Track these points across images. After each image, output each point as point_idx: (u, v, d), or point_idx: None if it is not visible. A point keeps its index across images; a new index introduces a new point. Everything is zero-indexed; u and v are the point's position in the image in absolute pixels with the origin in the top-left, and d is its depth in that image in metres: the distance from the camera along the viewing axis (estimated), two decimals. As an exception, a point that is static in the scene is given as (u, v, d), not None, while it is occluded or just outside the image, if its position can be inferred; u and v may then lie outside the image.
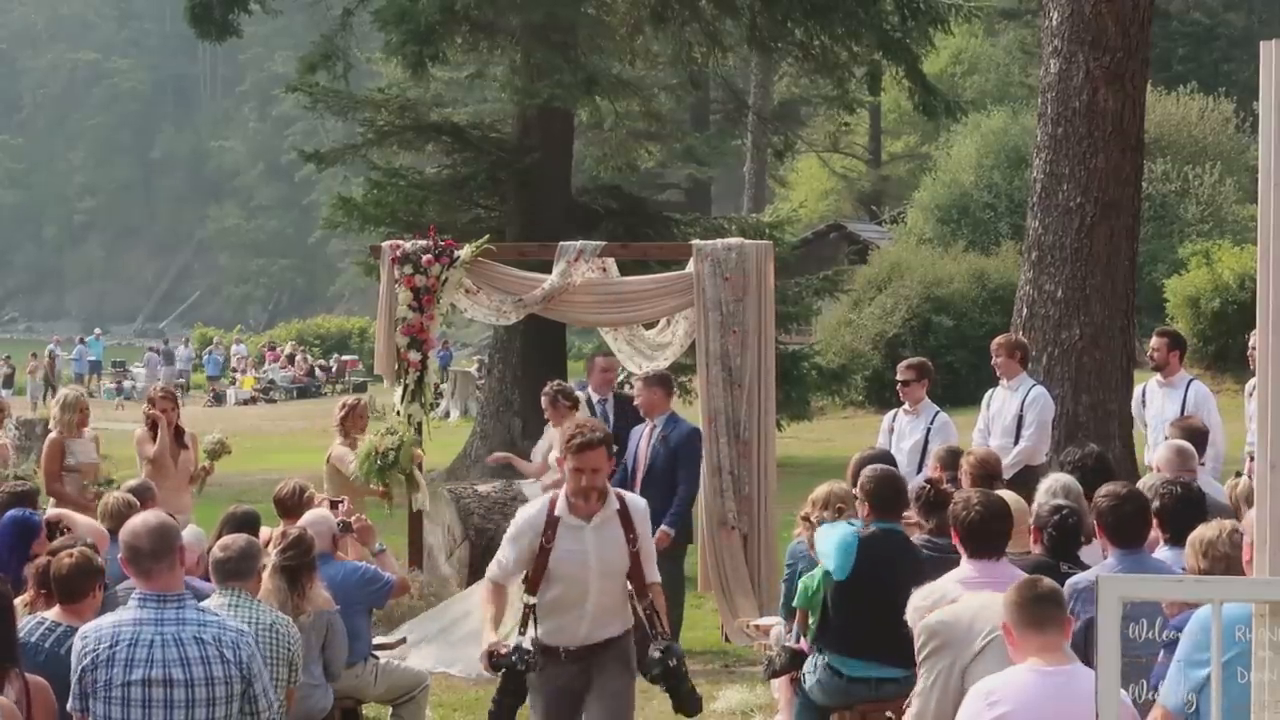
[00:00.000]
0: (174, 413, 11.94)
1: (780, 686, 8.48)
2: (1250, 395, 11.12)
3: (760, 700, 9.63)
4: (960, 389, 24.21)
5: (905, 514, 7.89)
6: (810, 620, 7.65)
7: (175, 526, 5.77)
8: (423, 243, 11.87)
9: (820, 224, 43.21)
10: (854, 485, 7.90)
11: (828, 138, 47.06)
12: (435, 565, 12.16)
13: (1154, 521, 6.81)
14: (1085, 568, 6.97)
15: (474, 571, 12.65)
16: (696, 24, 21.84)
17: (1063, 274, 13.72)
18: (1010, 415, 11.34)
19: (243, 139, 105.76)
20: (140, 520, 5.71)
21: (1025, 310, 13.97)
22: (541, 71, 20.31)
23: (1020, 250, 16.74)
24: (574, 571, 6.70)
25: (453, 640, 10.69)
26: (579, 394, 12.01)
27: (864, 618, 7.32)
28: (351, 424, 11.73)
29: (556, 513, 6.74)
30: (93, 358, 50.48)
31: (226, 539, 7.21)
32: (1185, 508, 6.82)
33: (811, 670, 7.63)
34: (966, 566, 6.66)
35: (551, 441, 11.62)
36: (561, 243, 11.97)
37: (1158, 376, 11.64)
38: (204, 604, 5.99)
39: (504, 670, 6.61)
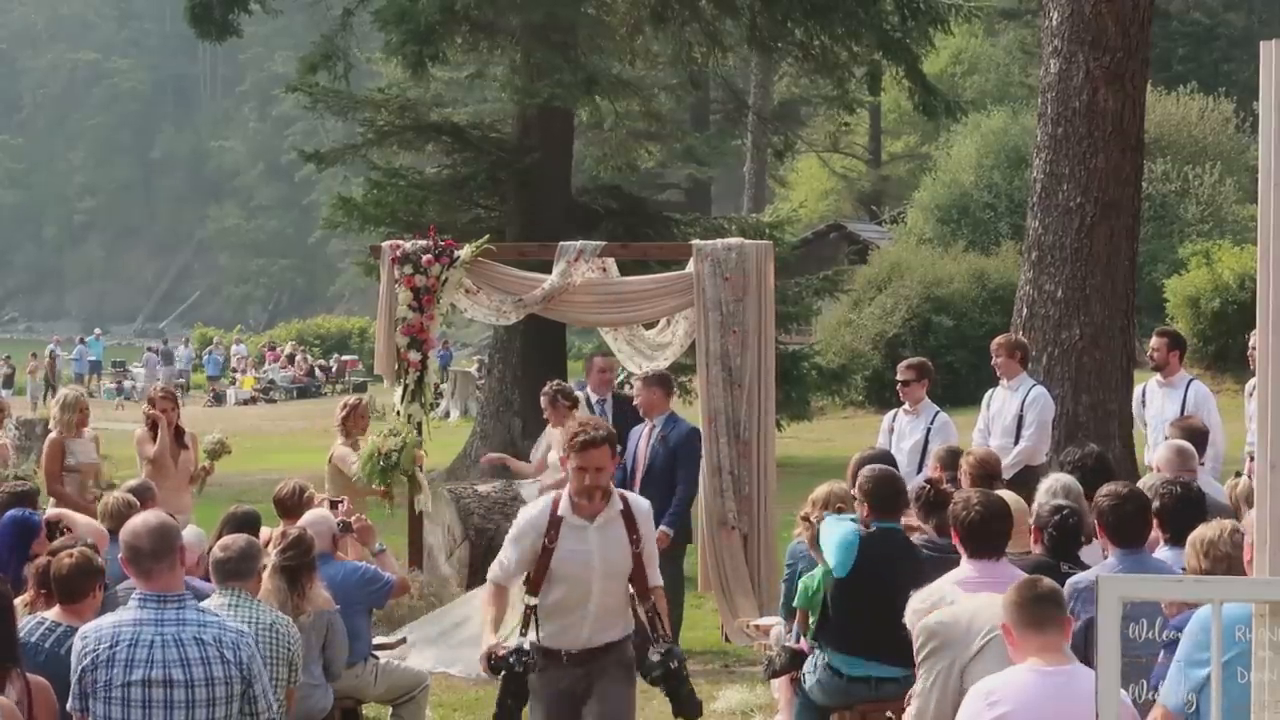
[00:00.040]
0: (174, 413, 11.95)
1: (780, 686, 8.48)
2: (1250, 395, 11.11)
3: (760, 700, 9.63)
4: (960, 389, 24.21)
5: (906, 514, 7.89)
6: (810, 620, 7.65)
7: (176, 527, 5.77)
8: (423, 243, 11.86)
9: (820, 224, 43.21)
10: (854, 485, 7.90)
11: (828, 138, 47.06)
12: (435, 565, 12.16)
13: (1154, 521, 6.81)
14: (1085, 568, 6.97)
15: (474, 571, 12.65)
16: (696, 24, 21.83)
17: (1063, 274, 13.72)
18: (1010, 415, 11.35)
19: (243, 139, 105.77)
20: (141, 520, 5.71)
21: (1025, 310, 13.97)
22: (541, 71, 20.31)
23: (1020, 250, 16.75)
24: (577, 572, 6.64)
25: (453, 642, 10.69)
26: (578, 394, 12.01)
27: (863, 616, 7.33)
28: (353, 424, 11.74)
29: (560, 512, 6.67)
30: (93, 358, 50.49)
31: (227, 539, 7.21)
32: (1185, 508, 6.83)
33: (811, 670, 7.63)
34: (966, 566, 6.66)
35: (550, 442, 11.62)
36: (561, 243, 11.97)
37: (1158, 376, 11.64)
38: (204, 604, 6.00)
39: (504, 672, 6.56)
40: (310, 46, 21.68)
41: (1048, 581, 5.49)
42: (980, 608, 6.20)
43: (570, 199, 22.17)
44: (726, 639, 11.29)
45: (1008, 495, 7.41)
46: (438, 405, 31.28)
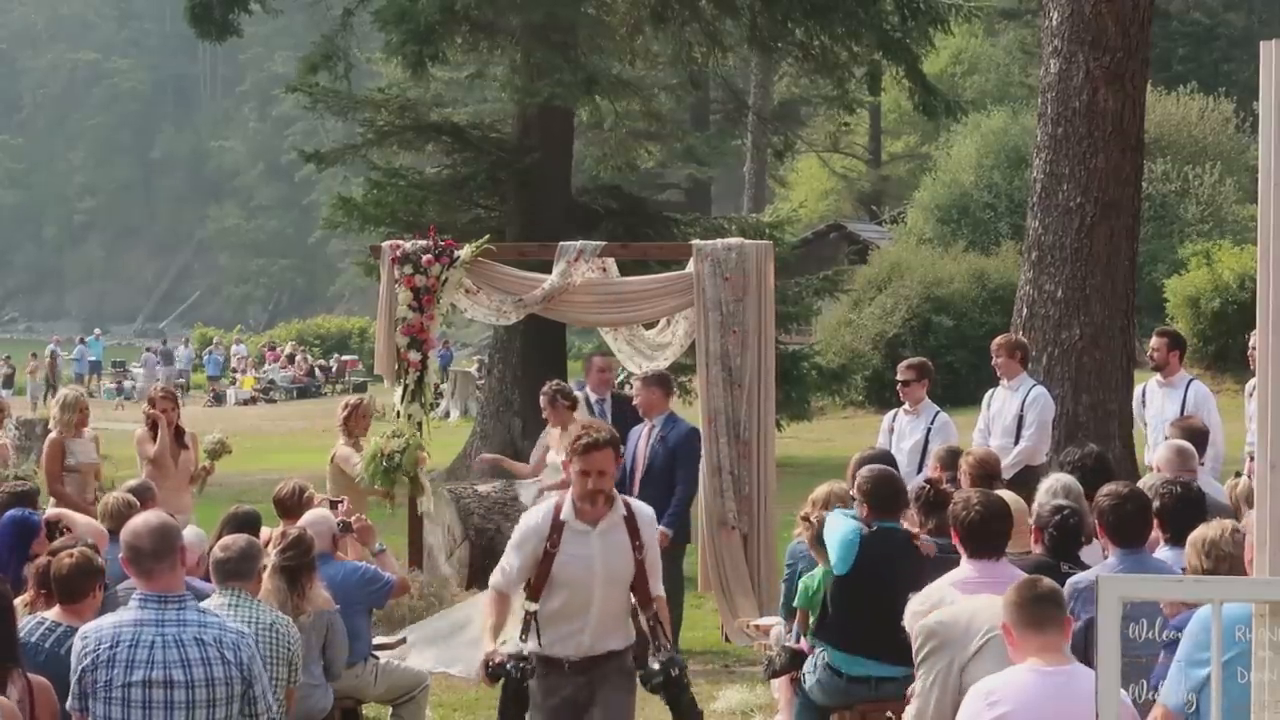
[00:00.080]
0: (174, 413, 11.95)
1: (780, 686, 8.48)
2: (1250, 395, 11.12)
3: (760, 700, 9.63)
4: (960, 389, 24.21)
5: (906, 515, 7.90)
6: (810, 619, 7.66)
7: (177, 527, 5.77)
8: (423, 243, 11.87)
9: (820, 224, 43.21)
10: (853, 485, 7.90)
11: (828, 138, 47.07)
12: (435, 565, 12.16)
13: (1154, 522, 6.81)
14: (1086, 568, 6.97)
15: (474, 571, 12.67)
16: (696, 24, 21.83)
17: (1063, 274, 13.72)
18: (1010, 415, 11.35)
19: (243, 139, 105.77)
20: (142, 520, 5.70)
21: (1025, 310, 13.98)
22: (541, 71, 20.31)
23: (1020, 250, 16.75)
24: (578, 578, 6.54)
25: (454, 643, 10.68)
26: (577, 394, 12.01)
27: (863, 614, 7.33)
28: (354, 424, 11.74)
29: (562, 517, 6.57)
30: (93, 358, 50.51)
31: (227, 539, 7.22)
32: (1185, 508, 6.83)
33: (811, 670, 7.64)
34: (966, 566, 6.67)
35: (549, 442, 11.62)
36: (561, 243, 11.97)
37: (1158, 376, 11.64)
38: (204, 604, 6.00)
39: (502, 679, 6.50)
40: (310, 46, 21.68)
41: (1048, 581, 5.49)
42: (979, 608, 6.20)
43: (570, 199, 22.17)
44: (726, 639, 11.29)
45: (1007, 495, 7.41)
46: (438, 405, 31.27)
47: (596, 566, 6.55)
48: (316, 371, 49.14)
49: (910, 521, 7.83)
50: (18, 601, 6.56)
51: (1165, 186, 33.59)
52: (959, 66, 48.77)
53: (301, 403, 43.70)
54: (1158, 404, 11.51)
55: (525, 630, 6.64)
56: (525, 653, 6.56)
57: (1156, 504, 6.85)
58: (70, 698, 5.56)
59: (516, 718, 6.63)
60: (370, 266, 17.75)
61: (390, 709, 8.77)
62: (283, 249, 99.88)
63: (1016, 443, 11.23)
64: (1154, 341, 11.70)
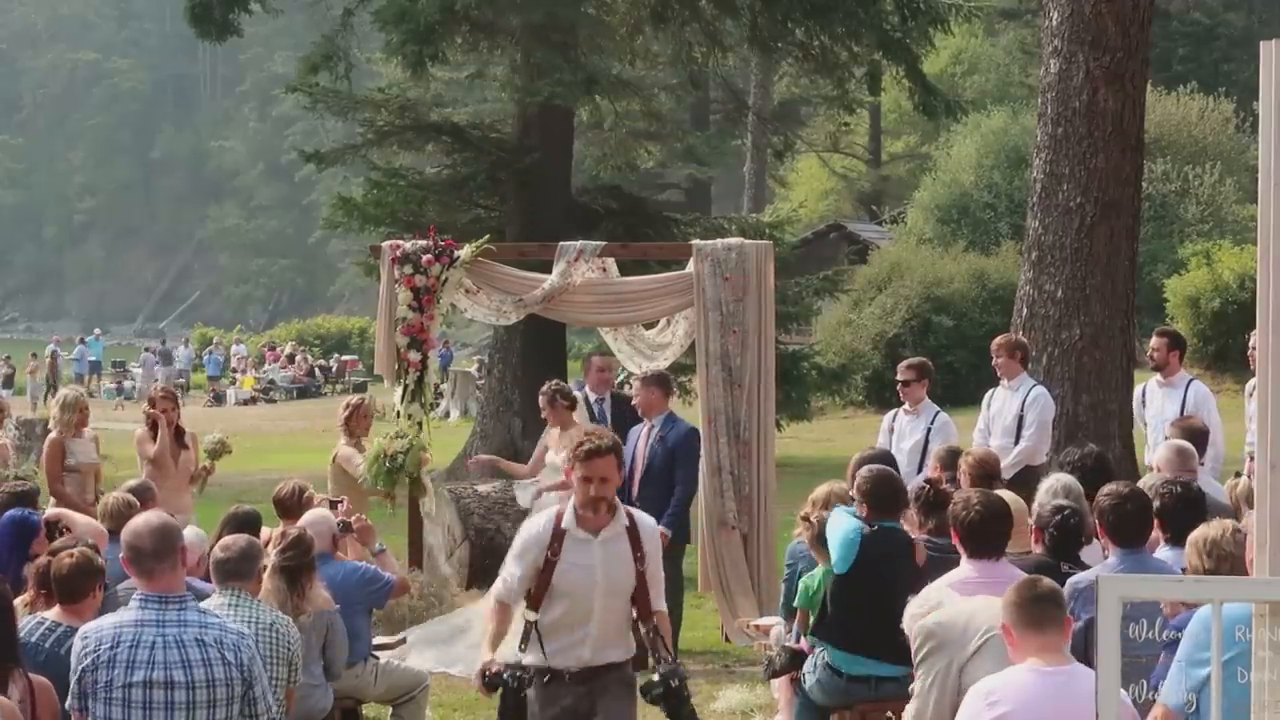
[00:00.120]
0: (174, 413, 11.95)
1: (780, 686, 8.48)
2: (1250, 395, 11.12)
3: (760, 700, 9.63)
4: (960, 389, 24.21)
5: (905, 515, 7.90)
6: (811, 619, 7.66)
7: (178, 527, 5.77)
8: (423, 243, 11.87)
9: (820, 224, 43.21)
10: (854, 485, 7.90)
11: (828, 138, 47.07)
12: (435, 565, 12.17)
13: (1155, 522, 6.82)
14: (1086, 568, 6.97)
15: (474, 571, 12.67)
16: (696, 24, 21.83)
17: (1063, 274, 13.72)
18: (1011, 415, 11.35)
19: (243, 139, 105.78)
20: (143, 520, 5.70)
21: (1025, 310, 13.98)
22: (541, 71, 20.32)
23: (1020, 250, 16.75)
24: (579, 587, 6.46)
25: (455, 644, 10.67)
26: (576, 394, 12.01)
27: (863, 613, 7.33)
28: (356, 424, 11.74)
29: (563, 525, 6.49)
30: (93, 358, 50.52)
31: (228, 539, 7.22)
32: (1185, 508, 6.83)
33: (811, 670, 7.64)
34: (966, 567, 6.67)
35: (548, 443, 11.61)
36: (561, 243, 11.98)
37: (1158, 376, 11.64)
38: (204, 604, 6.00)
39: (500, 689, 6.42)
40: (310, 46, 21.68)
41: (1047, 582, 5.49)
42: (978, 609, 6.20)
43: (570, 199, 22.17)
44: (726, 639, 11.29)
45: (1007, 495, 7.41)
46: (438, 405, 31.28)
47: (598, 576, 6.47)
48: (316, 371, 49.14)
49: (910, 522, 7.84)
50: (18, 601, 6.56)
51: (1165, 186, 33.59)
52: (959, 66, 48.78)
53: (301, 403, 43.71)
54: (1158, 404, 11.51)
55: (525, 640, 6.54)
56: (524, 663, 6.48)
57: (1157, 504, 6.85)
58: (69, 697, 5.56)
59: None
60: (370, 266, 17.75)
61: (390, 709, 8.77)
62: (283, 249, 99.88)
63: (1017, 443, 11.23)
64: (1154, 341, 11.70)
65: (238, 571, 6.95)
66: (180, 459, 11.77)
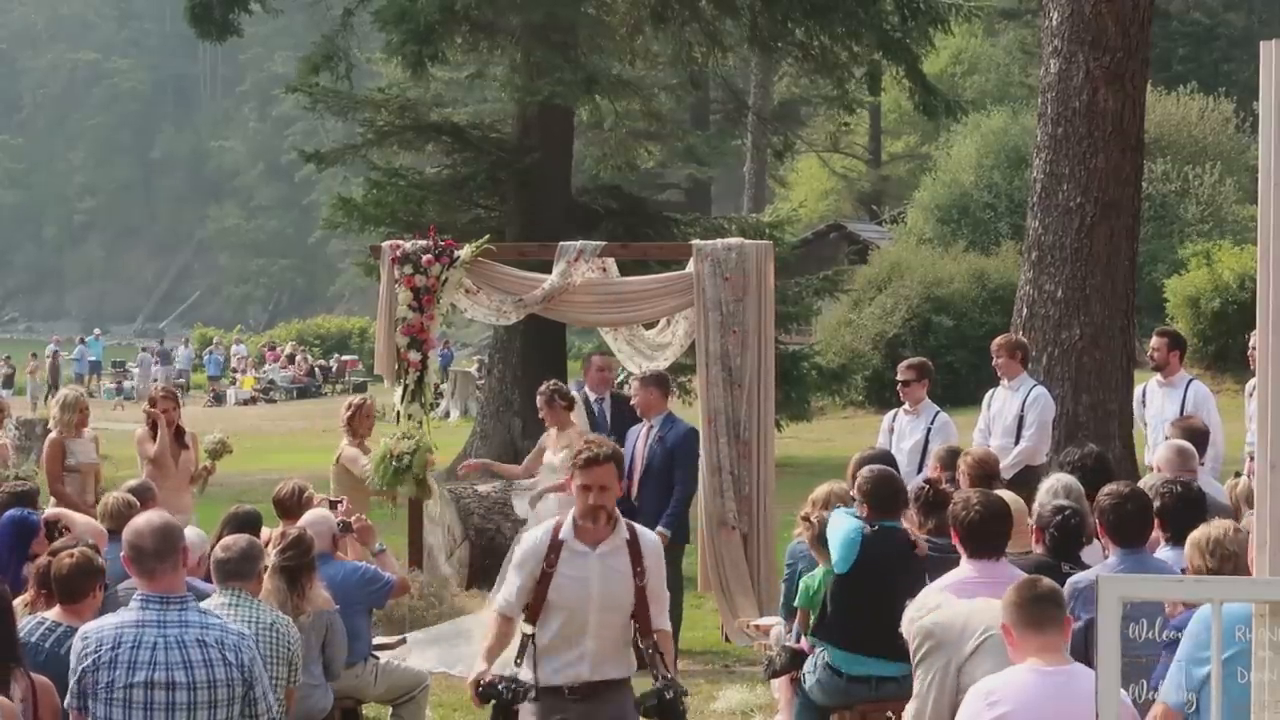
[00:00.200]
0: (175, 412, 11.95)
1: (780, 686, 8.48)
2: (1250, 395, 11.11)
3: (760, 700, 9.63)
4: (960, 389, 24.21)
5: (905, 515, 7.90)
6: (811, 619, 7.66)
7: (179, 527, 5.77)
8: (423, 243, 11.87)
9: (820, 224, 43.22)
10: (853, 485, 7.90)
11: (828, 138, 47.08)
12: (435, 565, 12.16)
13: (1155, 522, 6.82)
14: (1086, 568, 6.97)
15: (474, 571, 12.67)
16: (696, 24, 21.83)
17: (1063, 274, 13.72)
18: (1011, 415, 11.35)
19: (243, 139, 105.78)
20: (145, 520, 5.70)
21: (1025, 310, 13.98)
22: (541, 71, 20.32)
23: (1020, 250, 16.75)
24: (574, 600, 6.30)
25: (457, 645, 10.67)
26: (575, 394, 11.99)
27: (863, 613, 7.33)
28: (359, 424, 11.73)
29: (561, 536, 6.35)
30: (93, 358, 50.53)
31: (228, 539, 7.22)
32: (1185, 507, 6.83)
33: (811, 670, 7.64)
34: (966, 567, 6.67)
35: (546, 443, 11.60)
36: (561, 243, 11.98)
37: (1158, 376, 11.64)
38: (204, 604, 5.99)
39: (494, 701, 6.30)
40: (310, 46, 21.69)
41: (1047, 582, 5.49)
42: (976, 609, 6.21)
43: (570, 199, 22.17)
44: (726, 639, 11.29)
45: (1007, 495, 7.41)
46: (438, 405, 31.28)
47: (593, 590, 6.31)
48: (316, 371, 49.14)
49: (910, 522, 7.84)
50: (18, 602, 6.56)
51: (1165, 186, 33.59)
52: (959, 66, 48.78)
53: (301, 403, 43.71)
54: (1158, 404, 11.51)
55: (520, 654, 6.40)
56: (523, 676, 6.34)
57: (1157, 504, 6.85)
58: (69, 696, 5.56)
59: None
60: (370, 266, 17.75)
61: (390, 709, 8.77)
62: (283, 249, 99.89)
63: (1017, 443, 11.23)
64: (1154, 341, 11.70)
65: (238, 571, 6.95)
66: (180, 459, 11.77)
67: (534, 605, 6.38)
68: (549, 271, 11.80)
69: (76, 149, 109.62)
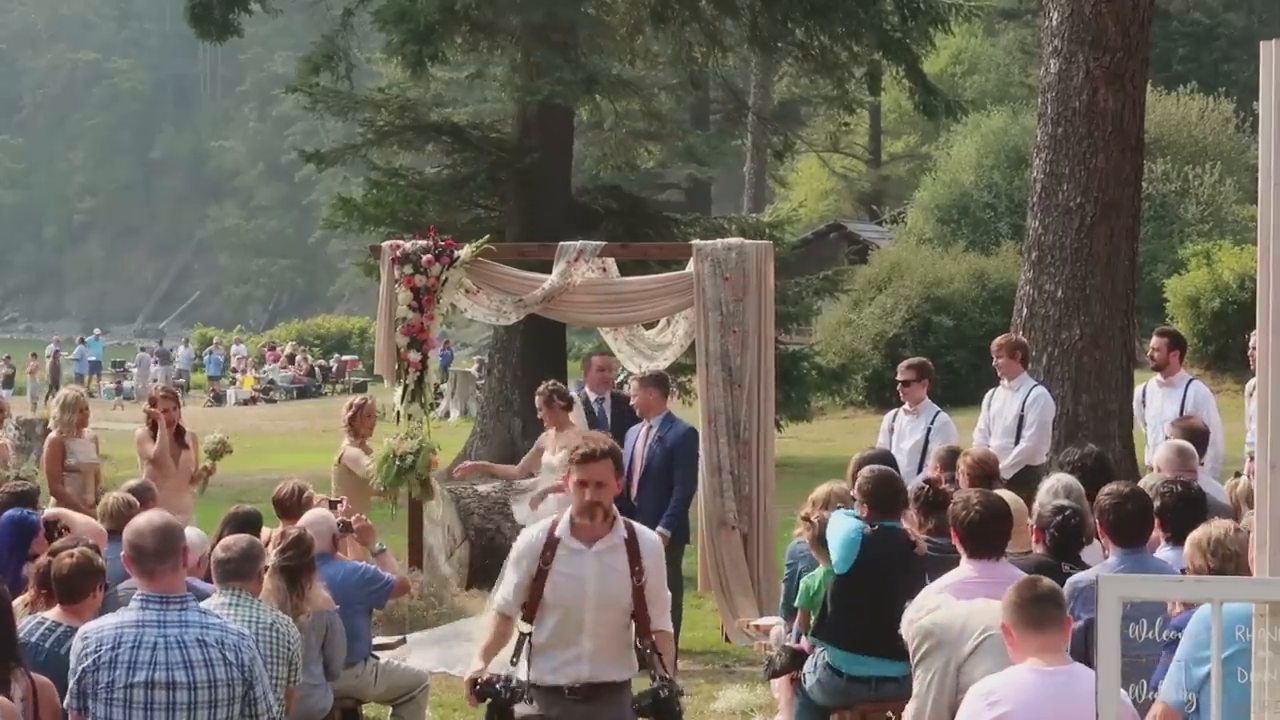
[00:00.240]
0: (175, 412, 11.94)
1: (780, 686, 8.48)
2: (1250, 395, 11.12)
3: (760, 700, 9.63)
4: (960, 389, 24.21)
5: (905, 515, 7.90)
6: (811, 619, 7.66)
7: (180, 527, 5.77)
8: (423, 243, 11.87)
9: (820, 224, 43.22)
10: (854, 485, 7.90)
11: (828, 138, 47.09)
12: (435, 565, 12.15)
13: (1155, 521, 6.82)
14: (1086, 568, 6.97)
15: (474, 571, 12.67)
16: (696, 24, 21.84)
17: (1063, 274, 13.72)
18: (1011, 415, 11.35)
19: (243, 139, 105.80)
20: (145, 520, 5.70)
21: (1025, 310, 13.98)
22: (541, 71, 20.33)
23: (1020, 250, 16.75)
24: (569, 599, 6.22)
25: (457, 645, 10.66)
26: (575, 394, 12.00)
27: (863, 613, 7.34)
28: (360, 424, 11.73)
29: (557, 534, 6.28)
30: (93, 358, 50.54)
31: (229, 539, 7.22)
32: (1186, 507, 6.83)
33: (811, 670, 7.64)
34: (966, 567, 6.67)
35: (544, 443, 11.61)
36: (561, 243, 11.98)
37: (1158, 376, 11.64)
38: (204, 604, 5.99)
39: (489, 700, 6.26)
40: (310, 46, 21.69)
41: (1047, 581, 5.49)
42: (975, 609, 6.21)
43: (570, 199, 22.18)
44: (726, 639, 11.29)
45: (1007, 495, 7.41)
46: (438, 405, 31.28)
47: (589, 588, 6.23)
48: (316, 371, 49.15)
49: (910, 522, 7.84)
50: (17, 602, 6.56)
51: (1165, 186, 33.59)
52: (959, 66, 48.78)
53: (301, 403, 43.71)
54: (1158, 404, 11.51)
55: (517, 653, 6.34)
56: (521, 676, 6.29)
57: (1157, 504, 6.85)
58: (69, 696, 5.56)
59: None
60: (370, 266, 17.76)
61: (390, 709, 8.77)
62: (283, 249, 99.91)
63: (1017, 443, 11.23)
64: (1154, 341, 11.70)
65: (238, 571, 6.95)
66: (180, 459, 11.76)
67: (530, 603, 6.31)
68: (549, 271, 11.80)
69: (76, 149, 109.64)
